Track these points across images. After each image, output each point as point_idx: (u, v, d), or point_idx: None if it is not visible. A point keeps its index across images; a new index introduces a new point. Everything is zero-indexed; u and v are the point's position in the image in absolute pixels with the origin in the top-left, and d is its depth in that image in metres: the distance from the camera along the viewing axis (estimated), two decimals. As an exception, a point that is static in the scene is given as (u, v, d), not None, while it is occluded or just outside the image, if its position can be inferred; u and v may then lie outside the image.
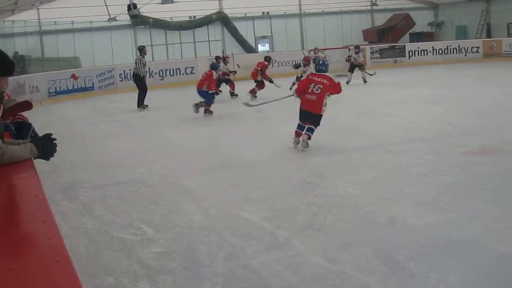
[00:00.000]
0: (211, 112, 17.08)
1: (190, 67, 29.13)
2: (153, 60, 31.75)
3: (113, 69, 27.37)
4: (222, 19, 36.10)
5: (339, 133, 12.98)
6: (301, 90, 11.55)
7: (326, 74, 11.62)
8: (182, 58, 33.09)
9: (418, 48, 34.39)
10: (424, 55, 33.73)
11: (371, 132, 12.88)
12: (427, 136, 12.05)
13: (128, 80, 26.95)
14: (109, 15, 31.11)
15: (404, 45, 34.57)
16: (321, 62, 11.94)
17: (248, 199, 8.13)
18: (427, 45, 34.85)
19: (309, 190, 8.51)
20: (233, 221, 7.26)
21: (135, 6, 30.51)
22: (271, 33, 38.13)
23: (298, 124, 11.52)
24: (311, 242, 6.39)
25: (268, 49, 37.73)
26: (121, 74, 27.19)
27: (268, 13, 37.28)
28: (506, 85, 18.57)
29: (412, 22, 40.18)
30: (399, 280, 5.39)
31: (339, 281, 5.44)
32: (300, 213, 7.38)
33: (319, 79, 11.43)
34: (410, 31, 40.43)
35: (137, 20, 32.94)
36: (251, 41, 37.00)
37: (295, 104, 11.81)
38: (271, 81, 21.35)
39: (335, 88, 11.65)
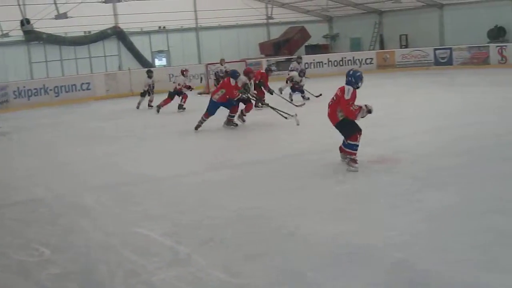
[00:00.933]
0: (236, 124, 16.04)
1: (86, 83, 28.59)
2: (47, 76, 31.09)
3: (7, 86, 26.58)
4: (118, 34, 35.64)
5: (240, 146, 13.04)
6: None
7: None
8: (77, 74, 32.51)
9: (314, 60, 34.92)
10: (320, 67, 34.29)
11: (272, 145, 12.99)
12: (329, 147, 12.20)
13: (22, 97, 26.32)
14: (1, 30, 30.29)
15: (301, 57, 35.10)
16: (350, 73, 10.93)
17: (147, 216, 8.05)
18: (322, 57, 35.45)
19: (210, 204, 8.48)
20: (132, 238, 7.17)
21: (28, 21, 29.76)
22: (168, 47, 37.96)
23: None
24: (212, 256, 6.37)
25: (165, 63, 37.56)
26: (15, 91, 26.40)
27: (164, 27, 37.08)
28: (399, 95, 19.06)
29: (308, 35, 40.77)
30: (301, 291, 5.45)
31: (241, 295, 5.46)
32: (201, 228, 7.36)
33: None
34: (306, 43, 41.02)
35: (31, 35, 32.11)
36: (147, 55, 36.70)
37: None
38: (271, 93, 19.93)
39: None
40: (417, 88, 23.46)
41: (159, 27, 36.93)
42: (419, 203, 7.89)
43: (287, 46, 39.09)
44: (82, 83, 28.40)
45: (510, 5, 33.24)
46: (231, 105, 15.64)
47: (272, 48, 38.88)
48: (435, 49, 33.66)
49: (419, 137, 12.70)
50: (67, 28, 31.94)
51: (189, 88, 21.42)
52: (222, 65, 26.65)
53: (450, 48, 33.69)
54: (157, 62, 37.52)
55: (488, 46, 32.46)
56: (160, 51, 37.78)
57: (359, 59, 34.72)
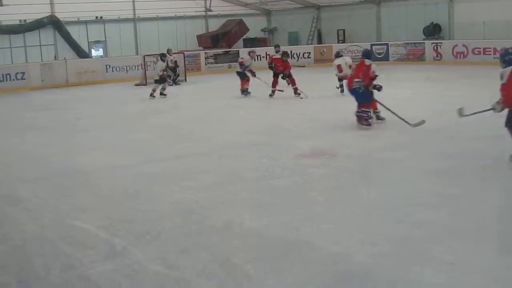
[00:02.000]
0: None
1: (21, 72, 28.02)
2: (-19, 64, 30.46)
3: None
4: (54, 23, 35.05)
5: (174, 139, 13.01)
6: None
7: None
8: (12, 63, 31.92)
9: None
10: (258, 60, 34.33)
11: (207, 137, 12.98)
12: (262, 140, 12.29)
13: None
14: None
15: (238, 50, 35.00)
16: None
17: (82, 208, 7.97)
18: (260, 50, 35.53)
19: (145, 197, 8.44)
20: (68, 230, 7.10)
21: (-39, 8, 29.13)
22: (105, 37, 37.52)
23: None
24: (148, 249, 6.36)
25: (102, 54, 37.12)
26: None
27: (101, 17, 36.62)
28: (335, 89, 19.21)
29: (246, 28, 40.79)
30: (237, 284, 5.48)
31: (178, 287, 5.45)
32: (137, 221, 7.33)
33: None
34: (244, 36, 41.02)
35: (-37, 23, 31.49)
36: (84, 46, 36.21)
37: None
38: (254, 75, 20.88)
39: None
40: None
41: (96, 17, 36.44)
42: (354, 197, 8.00)
43: (225, 38, 39.04)
44: (17, 73, 27.83)
45: (446, 2, 33.85)
46: None
47: (210, 40, 38.79)
48: (372, 45, 34.05)
49: (354, 132, 12.84)
50: (2, 16, 31.31)
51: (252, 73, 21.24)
52: (170, 55, 26.48)
53: (387, 44, 34.17)
54: (94, 53, 37.05)
55: (424, 42, 33.03)
56: (97, 41, 37.30)
57: (296, 53, 34.95)
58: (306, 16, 40.85)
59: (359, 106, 13.26)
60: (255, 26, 41.88)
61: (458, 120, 11.12)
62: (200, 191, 8.56)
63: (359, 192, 8.18)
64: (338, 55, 19.57)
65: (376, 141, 11.84)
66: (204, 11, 38.72)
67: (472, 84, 20.42)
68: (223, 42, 38.25)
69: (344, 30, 38.47)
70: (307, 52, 35.24)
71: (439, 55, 32.01)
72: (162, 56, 22.90)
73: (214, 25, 40.97)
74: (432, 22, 34.05)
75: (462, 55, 31.04)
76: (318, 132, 13.10)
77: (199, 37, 39.75)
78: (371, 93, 13.35)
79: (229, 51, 34.90)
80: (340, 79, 18.74)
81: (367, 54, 14.51)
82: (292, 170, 9.68)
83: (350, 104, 13.56)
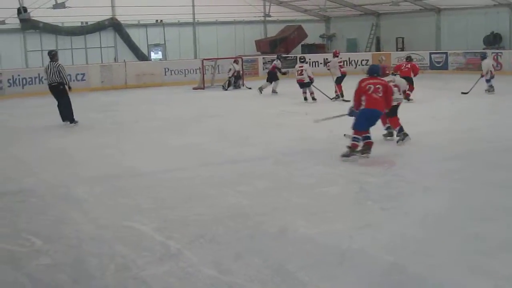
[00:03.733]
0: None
1: (81, 74, 28.56)
2: (42, 66, 31.00)
3: (1, 73, 26.51)
4: (115, 26, 35.57)
5: (229, 143, 13.07)
6: None
7: None
8: (73, 64, 32.48)
9: (310, 59, 34.94)
10: (316, 66, 34.28)
11: (261, 142, 13.00)
12: (317, 147, 12.25)
13: (16, 85, 26.26)
14: (-2, 18, 30.22)
15: (296, 56, 35.04)
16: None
17: (139, 209, 8.05)
18: (318, 56, 35.49)
19: (201, 200, 8.49)
20: (123, 231, 7.17)
21: (25, 9, 29.67)
22: (164, 41, 37.89)
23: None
24: (202, 253, 6.39)
25: (161, 57, 37.49)
26: (9, 79, 26.35)
27: (161, 21, 37.02)
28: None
29: (304, 34, 40.75)
30: (290, 290, 5.47)
31: (231, 292, 5.48)
32: (191, 224, 7.37)
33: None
34: (302, 42, 41.01)
35: (27, 24, 31.99)
36: (144, 48, 36.64)
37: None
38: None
39: None
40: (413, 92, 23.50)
41: (156, 20, 36.86)
42: (410, 207, 7.92)
43: (283, 44, 39.07)
44: (77, 74, 28.33)
45: (507, 12, 33.33)
46: None
47: (269, 46, 38.85)
48: (431, 53, 33.75)
49: (411, 141, 12.70)
50: (64, 18, 31.80)
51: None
52: (237, 63, 27.09)
53: (446, 53, 33.81)
54: (153, 56, 37.44)
55: (484, 52, 32.54)
56: (157, 45, 37.69)
57: (355, 60, 34.84)
58: (365, 23, 40.64)
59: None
60: (314, 32, 41.81)
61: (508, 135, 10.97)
62: (255, 196, 8.58)
63: (415, 202, 8.10)
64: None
65: (433, 151, 11.69)
66: (263, 16, 38.79)
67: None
68: (281, 48, 38.27)
69: (403, 38, 38.17)
70: (365, 60, 35.06)
71: (499, 65, 31.49)
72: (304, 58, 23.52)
73: (273, 31, 41.03)
74: (493, 32, 33.56)
75: (523, 67, 30.54)
76: (376, 140, 13.01)
77: (258, 42, 39.85)
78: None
79: (287, 56, 34.90)
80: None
81: (375, 70, 11.90)
82: (347, 177, 9.64)
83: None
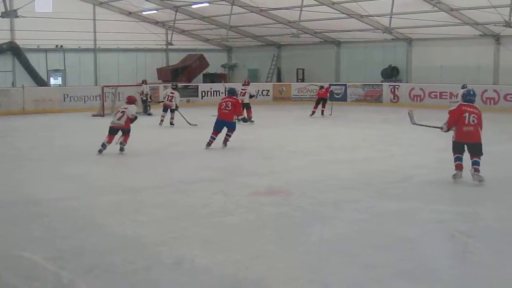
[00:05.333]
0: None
1: (-23, 98, 27.76)
2: None
3: None
4: (13, 50, 34.80)
5: (127, 172, 12.94)
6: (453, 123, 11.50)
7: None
8: (-32, 88, 31.65)
9: (211, 88, 35.09)
10: (216, 95, 34.40)
11: (161, 172, 12.93)
12: (216, 176, 12.29)
13: None
14: None
15: (198, 85, 35.16)
16: (471, 92, 11.81)
17: (30, 238, 7.84)
18: (219, 86, 35.63)
19: (96, 230, 8.34)
20: (14, 261, 6.96)
21: None
22: (64, 66, 37.31)
23: (457, 157, 11.48)
24: (96, 283, 6.27)
25: (61, 83, 36.88)
26: None
27: (61, 46, 36.47)
28: (293, 128, 19.34)
29: (206, 63, 40.91)
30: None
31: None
32: (86, 253, 7.22)
33: (471, 109, 11.44)
34: (204, 71, 41.16)
35: None
36: (43, 73, 35.95)
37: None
38: None
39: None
40: (311, 122, 23.92)
41: (56, 45, 36.28)
42: (307, 236, 7.99)
43: (185, 73, 39.09)
44: (-26, 98, 27.52)
45: (404, 46, 34.43)
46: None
47: (170, 74, 38.80)
48: (331, 84, 34.37)
49: (310, 170, 12.91)
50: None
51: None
52: (145, 84, 28.03)
53: (345, 85, 34.57)
54: (52, 81, 36.80)
55: (382, 84, 33.52)
56: (56, 70, 37.07)
57: (255, 90, 35.09)
58: (267, 54, 41.23)
59: None
60: (215, 62, 42.05)
61: (406, 161, 11.26)
62: (152, 226, 8.48)
63: (311, 232, 8.17)
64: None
65: (331, 180, 11.86)
66: (165, 44, 38.77)
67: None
68: (183, 76, 38.28)
69: (303, 69, 38.85)
70: (266, 90, 35.47)
71: (396, 97, 32.48)
72: (175, 84, 24.37)
73: (175, 59, 41.04)
74: (390, 65, 34.62)
75: (419, 98, 31.58)
76: (272, 169, 13.15)
77: (159, 70, 39.76)
78: None
79: (188, 85, 34.93)
80: None
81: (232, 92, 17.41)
82: (245, 207, 9.67)
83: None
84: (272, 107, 30.94)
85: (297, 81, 37.38)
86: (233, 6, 32.64)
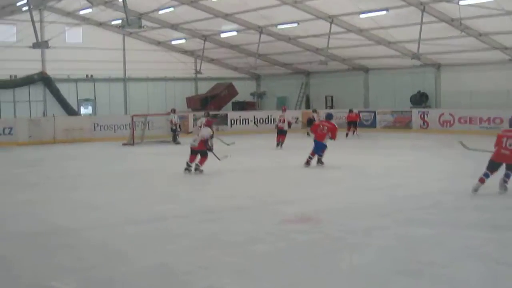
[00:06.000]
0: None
1: (9, 128, 28.07)
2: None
3: None
4: (44, 80, 35.31)
5: (157, 200, 12.96)
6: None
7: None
8: (0, 118, 32.03)
9: (240, 116, 35.22)
10: (245, 124, 34.56)
11: (188, 200, 12.95)
12: (245, 204, 12.26)
13: None
14: None
15: (227, 114, 35.34)
16: None
17: (61, 269, 7.86)
18: (248, 114, 35.79)
19: (125, 259, 8.34)
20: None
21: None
22: (95, 96, 37.72)
23: (486, 173, 12.59)
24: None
25: (91, 112, 37.28)
26: None
27: (92, 76, 36.92)
28: (323, 155, 19.26)
29: (235, 91, 41.12)
30: None
31: None
32: (115, 284, 7.23)
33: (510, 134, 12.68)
34: (233, 100, 41.34)
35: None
36: (73, 103, 36.38)
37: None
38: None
39: None
40: (341, 149, 23.86)
41: (87, 75, 36.72)
42: (337, 263, 7.94)
43: (214, 101, 39.30)
44: (5, 128, 27.86)
45: (432, 72, 34.33)
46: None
47: (199, 102, 39.04)
48: (360, 111, 34.38)
49: (340, 198, 12.87)
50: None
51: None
52: (174, 113, 28.01)
53: (374, 112, 34.50)
54: (83, 111, 37.20)
55: (411, 111, 33.39)
56: (87, 100, 37.48)
57: (292, 117, 35.10)
58: (295, 82, 41.35)
59: None
60: (244, 90, 42.26)
61: (435, 187, 11.17)
62: (180, 255, 8.48)
63: (341, 259, 8.12)
64: None
65: (360, 207, 11.81)
66: (194, 73, 39.06)
67: (457, 153, 20.57)
68: (212, 105, 38.46)
69: (332, 97, 38.90)
70: (296, 117, 35.50)
71: (425, 123, 32.32)
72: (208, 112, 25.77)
73: (204, 88, 41.30)
74: (419, 91, 34.52)
75: (448, 123, 31.40)
76: (303, 197, 13.12)
77: (188, 99, 40.01)
78: None
79: (217, 114, 35.08)
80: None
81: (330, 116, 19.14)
82: (275, 235, 9.63)
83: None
84: (301, 135, 30.87)
85: (326, 108, 37.38)
86: (262, 35, 32.82)
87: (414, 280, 7.20)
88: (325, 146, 17.94)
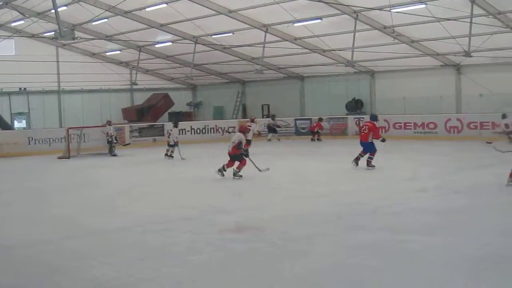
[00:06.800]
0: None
1: None
2: None
3: None
4: (-24, 94, 34.71)
5: (96, 213, 12.80)
6: None
7: None
8: None
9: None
10: (182, 134, 34.36)
11: (128, 212, 12.81)
12: (186, 215, 12.20)
13: None
14: None
15: (163, 124, 35.08)
16: None
17: (3, 286, 7.70)
18: (185, 124, 35.59)
19: (66, 273, 8.21)
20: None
21: None
22: (28, 109, 37.12)
23: None
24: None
25: (25, 125, 36.65)
26: None
27: (25, 88, 36.33)
28: (261, 164, 19.27)
29: (171, 102, 40.98)
30: None
31: None
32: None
33: None
34: (170, 110, 41.16)
35: None
36: (7, 117, 35.70)
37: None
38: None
39: None
40: (279, 157, 23.99)
41: (20, 88, 36.11)
42: (279, 271, 7.95)
43: (150, 112, 39.09)
44: None
45: (367, 79, 34.81)
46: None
47: (135, 113, 38.79)
48: (296, 119, 34.61)
49: (283, 206, 12.92)
50: None
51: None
52: (110, 125, 27.21)
53: (310, 119, 34.78)
54: (17, 124, 36.55)
55: (347, 117, 33.80)
56: (20, 113, 36.85)
57: (221, 127, 35.09)
58: (231, 91, 41.47)
59: None
60: (180, 100, 42.18)
61: (374, 194, 11.31)
62: (121, 268, 8.38)
63: (283, 268, 8.13)
64: None
65: (302, 215, 11.86)
66: (129, 84, 38.78)
67: (395, 158, 20.92)
68: (148, 116, 38.24)
69: (268, 105, 39.10)
70: (232, 127, 35.47)
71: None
72: (176, 123, 25.96)
73: (140, 98, 41.07)
74: (354, 98, 34.99)
75: (384, 130, 31.78)
76: (242, 206, 13.12)
77: (124, 110, 39.72)
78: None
79: (154, 124, 34.87)
80: None
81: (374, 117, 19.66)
82: (215, 245, 9.60)
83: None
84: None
85: (263, 117, 37.51)
86: (197, 45, 32.79)
87: (356, 286, 7.25)
88: (372, 145, 18.60)
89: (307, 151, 26.38)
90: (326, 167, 19.91)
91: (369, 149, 18.50)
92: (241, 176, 16.99)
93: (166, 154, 24.51)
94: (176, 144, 24.20)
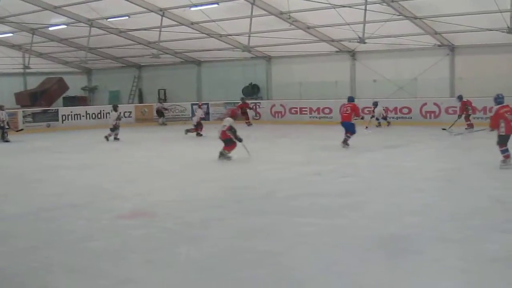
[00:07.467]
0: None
1: None
2: None
3: None
4: None
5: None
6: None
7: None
8: None
9: (71, 112, 34.29)
10: (77, 119, 33.76)
11: (21, 200, 12.52)
12: (80, 201, 12.01)
13: None
14: None
15: (58, 109, 34.33)
16: (501, 96, 14.67)
17: None
18: (80, 109, 34.97)
19: None
20: None
21: None
22: None
23: (506, 148, 14.43)
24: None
25: None
26: None
27: None
28: (157, 149, 19.25)
29: (66, 86, 40.12)
30: None
31: None
32: None
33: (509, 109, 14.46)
34: (64, 95, 40.31)
35: None
36: None
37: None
38: None
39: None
40: (174, 142, 23.93)
41: None
42: (175, 256, 7.96)
43: (44, 97, 38.16)
44: None
45: (264, 64, 35.05)
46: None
47: (29, 98, 37.79)
48: (193, 104, 34.55)
49: (176, 191, 12.91)
50: None
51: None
52: (2, 110, 26.05)
53: (207, 104, 34.78)
54: None
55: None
56: None
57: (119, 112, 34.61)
58: (127, 75, 41.01)
59: None
60: (75, 85, 41.38)
61: (270, 177, 11.44)
62: (13, 256, 8.19)
63: (179, 252, 8.13)
64: None
65: (196, 199, 11.88)
66: (22, 68, 37.68)
67: (290, 142, 21.20)
68: (42, 101, 37.35)
69: (165, 90, 38.91)
70: (128, 112, 35.10)
71: (258, 114, 33.00)
72: (115, 107, 25.86)
73: (34, 83, 40.02)
74: (251, 83, 35.17)
75: (280, 114, 32.22)
76: (136, 192, 13.03)
77: (17, 95, 38.64)
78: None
79: (47, 110, 34.07)
80: None
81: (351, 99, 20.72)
82: (110, 231, 9.51)
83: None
84: (135, 129, 30.62)
85: (159, 102, 37.25)
86: (92, 28, 32.20)
87: (252, 270, 7.33)
88: (353, 125, 19.75)
89: (200, 137, 26.34)
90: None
91: (351, 128, 19.58)
92: (230, 157, 17.25)
93: (105, 137, 24.67)
94: (116, 127, 24.61)
